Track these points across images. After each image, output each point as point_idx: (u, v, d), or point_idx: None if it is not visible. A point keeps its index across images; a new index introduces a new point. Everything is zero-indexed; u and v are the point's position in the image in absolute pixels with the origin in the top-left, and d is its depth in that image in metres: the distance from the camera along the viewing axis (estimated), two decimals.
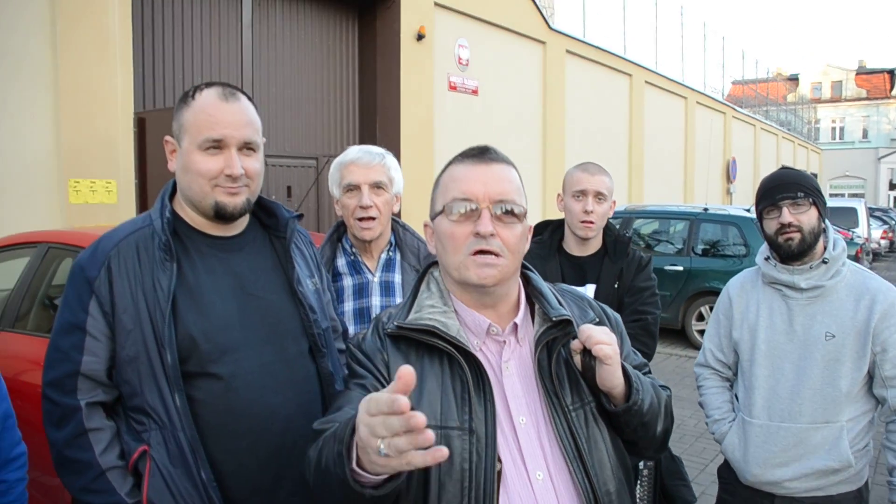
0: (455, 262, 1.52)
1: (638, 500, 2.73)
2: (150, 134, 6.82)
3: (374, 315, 2.40)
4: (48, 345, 1.76)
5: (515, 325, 1.57)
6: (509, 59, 12.41)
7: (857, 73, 48.09)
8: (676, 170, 19.14)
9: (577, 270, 2.88)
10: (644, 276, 2.86)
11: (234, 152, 1.76)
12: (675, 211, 10.67)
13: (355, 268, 2.55)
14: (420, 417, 1.06)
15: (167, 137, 1.84)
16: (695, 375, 2.85)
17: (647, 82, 16.67)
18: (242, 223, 1.91)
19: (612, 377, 1.48)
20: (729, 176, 23.58)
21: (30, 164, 6.00)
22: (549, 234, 3.00)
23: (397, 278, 2.56)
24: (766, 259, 2.58)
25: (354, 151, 2.54)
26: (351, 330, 2.39)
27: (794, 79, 47.81)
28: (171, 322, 1.68)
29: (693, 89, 19.44)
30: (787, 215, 2.43)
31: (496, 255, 1.49)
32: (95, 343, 1.70)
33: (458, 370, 1.48)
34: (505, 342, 1.56)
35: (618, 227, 9.89)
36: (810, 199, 2.43)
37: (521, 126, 12.71)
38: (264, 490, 1.76)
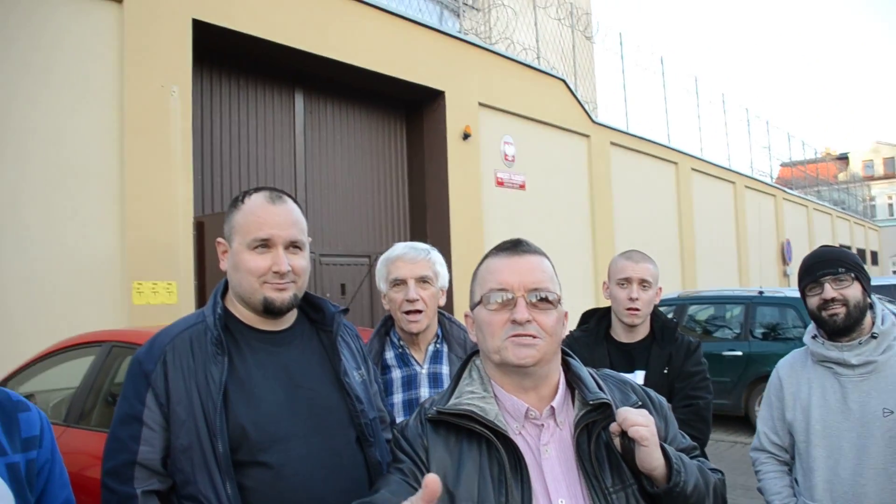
0: (494, 345, 1.58)
1: None
2: (208, 237, 7.10)
3: None
4: (108, 435, 1.83)
5: (552, 408, 1.60)
6: (554, 152, 12.64)
7: None
8: (729, 254, 18.92)
9: (625, 357, 2.88)
10: (694, 361, 2.84)
11: (280, 251, 1.87)
12: (730, 295, 10.44)
13: (403, 360, 2.61)
14: None
15: (219, 239, 1.96)
16: (751, 461, 2.76)
17: (693, 169, 16.74)
18: (290, 318, 1.99)
19: (650, 458, 1.49)
20: (784, 258, 23.18)
21: (97, 268, 6.27)
22: (595, 321, 3.03)
23: (445, 370, 2.61)
24: (814, 337, 2.55)
25: (400, 248, 2.64)
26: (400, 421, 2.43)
27: (843, 158, 47.43)
28: (222, 412, 1.75)
29: (740, 174, 19.42)
30: (830, 290, 2.43)
31: (534, 337, 1.54)
32: (151, 433, 1.77)
33: (495, 453, 1.52)
34: (543, 425, 1.59)
35: (671, 314, 9.79)
36: (852, 275, 2.43)
37: (570, 217, 12.81)
38: None
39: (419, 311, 2.55)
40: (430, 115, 10.59)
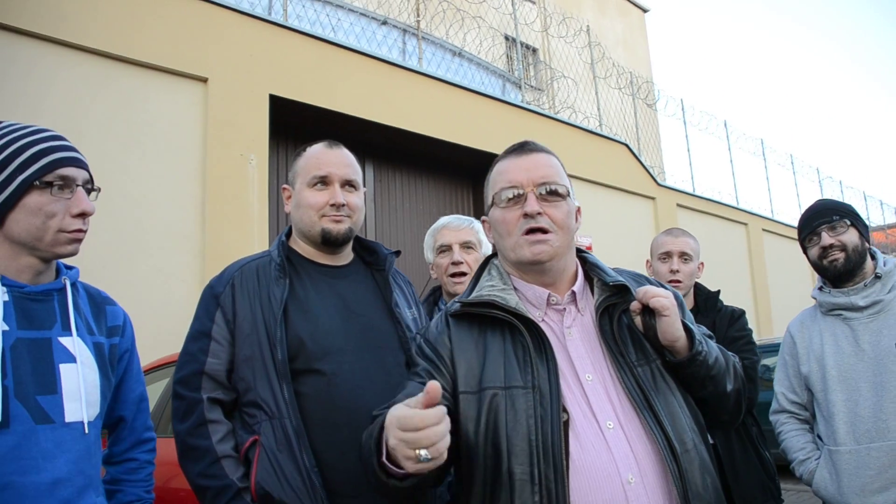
0: (510, 243, 1.67)
1: None
2: None
3: None
4: (181, 351, 2.05)
5: (574, 293, 1.68)
6: (620, 215, 12.72)
7: None
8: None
9: None
10: (738, 327, 2.92)
11: (337, 187, 2.10)
12: None
13: None
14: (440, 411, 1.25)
15: (284, 185, 2.21)
16: (772, 423, 2.77)
17: (764, 230, 16.51)
18: (347, 255, 2.20)
19: (672, 328, 1.55)
20: None
21: (179, 321, 6.56)
22: None
23: None
24: (820, 289, 2.62)
25: (445, 219, 2.86)
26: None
27: None
28: (282, 324, 1.94)
29: None
30: (827, 238, 2.51)
31: (546, 230, 1.62)
32: (218, 347, 1.97)
33: (519, 337, 1.59)
34: (565, 309, 1.67)
35: None
36: (847, 221, 2.51)
37: None
38: (361, 479, 1.88)
39: (464, 273, 2.73)
40: None
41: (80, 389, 1.69)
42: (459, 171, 11.02)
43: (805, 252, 2.66)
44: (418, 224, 10.37)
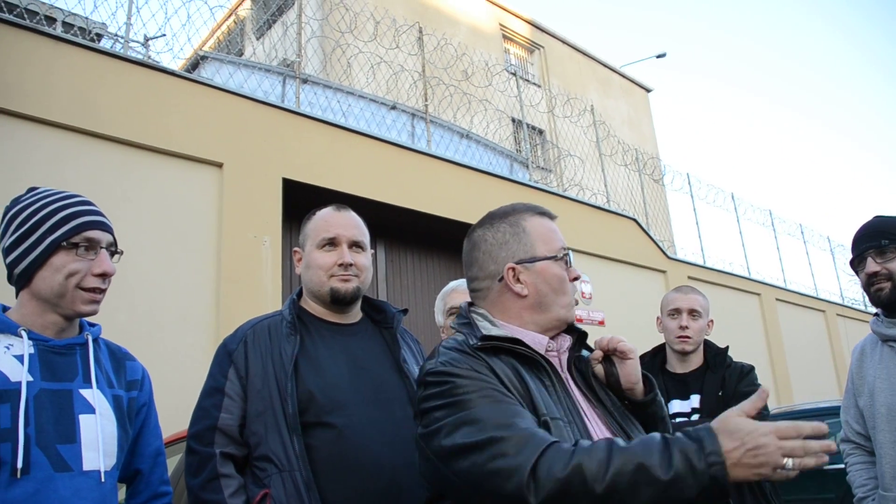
0: (565, 301, 1.73)
1: None
2: None
3: None
4: (195, 407, 2.12)
5: (566, 338, 1.78)
6: (632, 289, 12.74)
7: None
8: (828, 380, 17.97)
9: (680, 385, 2.98)
10: (747, 382, 2.92)
11: (345, 248, 2.19)
12: (826, 407, 9.55)
13: None
14: (825, 427, 1.22)
15: (295, 248, 2.32)
16: (841, 452, 2.60)
17: (777, 299, 16.45)
18: (356, 314, 2.26)
19: (635, 370, 1.67)
20: None
21: (193, 399, 6.64)
22: (650, 356, 3.17)
23: None
24: (876, 315, 2.43)
25: (455, 282, 2.94)
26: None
27: None
28: (292, 378, 1.99)
29: (831, 302, 18.89)
30: (872, 265, 2.30)
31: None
32: (231, 402, 2.03)
33: (543, 374, 1.64)
34: (557, 355, 1.75)
35: None
36: None
37: None
38: None
39: None
40: None
41: (98, 439, 1.77)
42: None
43: (856, 274, 2.47)
44: (430, 303, 10.37)
